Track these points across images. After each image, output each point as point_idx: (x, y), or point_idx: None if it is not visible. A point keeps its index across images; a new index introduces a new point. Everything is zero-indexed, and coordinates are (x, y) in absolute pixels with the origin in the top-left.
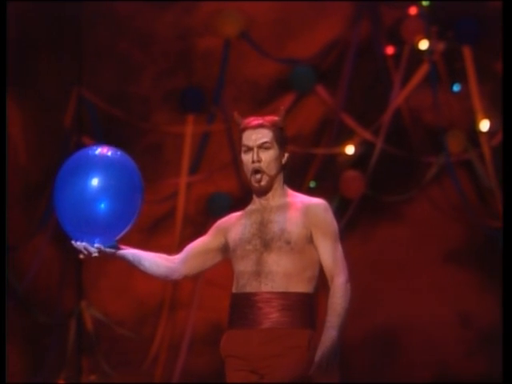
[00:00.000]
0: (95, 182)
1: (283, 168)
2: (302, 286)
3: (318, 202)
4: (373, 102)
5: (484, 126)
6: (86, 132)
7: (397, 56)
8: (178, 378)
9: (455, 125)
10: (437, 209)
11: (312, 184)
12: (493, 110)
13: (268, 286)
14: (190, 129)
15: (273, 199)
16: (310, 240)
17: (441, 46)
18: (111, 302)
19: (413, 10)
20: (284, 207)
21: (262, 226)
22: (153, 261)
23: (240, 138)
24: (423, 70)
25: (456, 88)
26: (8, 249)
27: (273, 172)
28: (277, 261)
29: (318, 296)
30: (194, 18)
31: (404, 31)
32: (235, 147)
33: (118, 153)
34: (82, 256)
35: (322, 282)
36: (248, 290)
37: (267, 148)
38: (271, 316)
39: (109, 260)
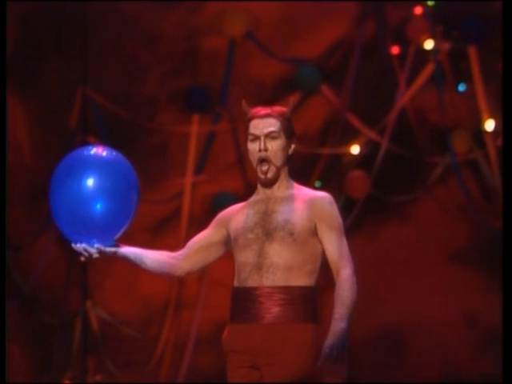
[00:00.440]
0: (90, 182)
1: (289, 159)
2: (303, 280)
3: (323, 195)
4: (378, 102)
5: (489, 125)
6: (91, 132)
7: (402, 56)
8: (183, 377)
9: (460, 125)
10: (442, 209)
11: (317, 184)
12: (498, 110)
13: (269, 280)
14: (195, 129)
15: (278, 190)
16: (314, 233)
17: (446, 46)
18: (116, 301)
19: (418, 10)
20: (289, 198)
21: (266, 215)
22: (155, 258)
23: (247, 127)
24: (428, 69)
25: (461, 88)
26: (8, 248)
27: (279, 162)
28: (279, 252)
29: (321, 290)
30: (200, 18)
31: (409, 31)
32: (240, 147)
33: (113, 153)
34: (82, 258)
35: (325, 276)
36: (249, 284)
37: (274, 137)
38: (273, 310)
39: (114, 260)
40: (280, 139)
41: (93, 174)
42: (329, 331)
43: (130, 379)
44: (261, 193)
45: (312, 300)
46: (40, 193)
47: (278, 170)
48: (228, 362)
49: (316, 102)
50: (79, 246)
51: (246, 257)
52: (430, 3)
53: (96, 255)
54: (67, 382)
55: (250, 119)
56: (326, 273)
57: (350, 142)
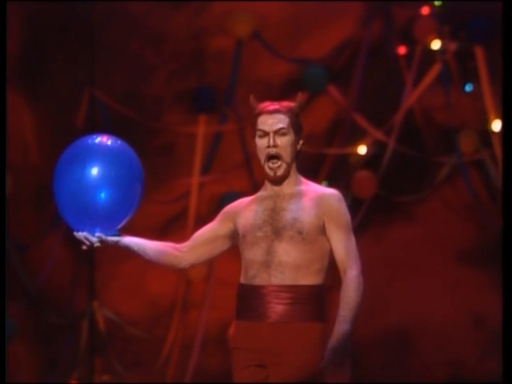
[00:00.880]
0: (94, 170)
1: (298, 155)
2: (310, 279)
3: (331, 192)
4: (385, 102)
5: (496, 126)
6: (98, 132)
7: (409, 56)
8: (190, 378)
9: (467, 125)
10: (449, 209)
11: (324, 184)
12: None
13: (278, 279)
14: (202, 129)
15: (287, 186)
16: (322, 231)
17: (453, 46)
18: (123, 302)
19: (425, 10)
20: (297, 195)
21: (274, 213)
22: (158, 250)
23: (255, 123)
24: (435, 69)
25: (468, 88)
26: (14, 248)
27: (289, 158)
28: (287, 250)
29: (328, 288)
30: (206, 18)
31: (416, 31)
32: (247, 147)
33: (118, 142)
34: (84, 247)
35: (333, 274)
36: (257, 282)
37: (283, 134)
38: (280, 309)
39: (121, 260)
40: (289, 135)
41: (97, 163)
42: (332, 333)
43: (137, 379)
44: (269, 189)
45: (320, 298)
46: (47, 193)
47: (288, 166)
48: (233, 360)
49: (323, 102)
50: (81, 235)
51: (254, 254)
52: (436, 3)
53: (97, 244)
54: (74, 382)
55: (258, 114)
56: (333, 271)
57: (356, 142)
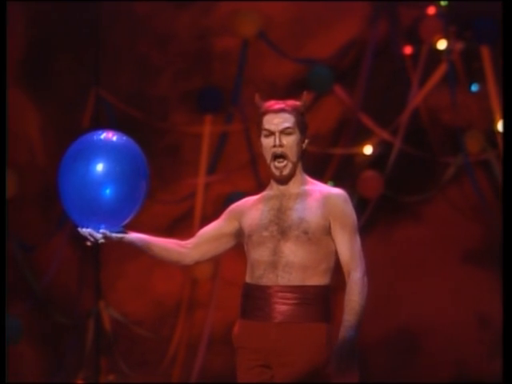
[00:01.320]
0: (99, 166)
1: (303, 154)
2: (317, 279)
3: (337, 192)
4: (391, 102)
5: (502, 126)
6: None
7: (415, 56)
8: (196, 378)
9: (473, 125)
10: (455, 209)
11: (330, 184)
12: None
13: (285, 279)
14: (207, 129)
15: (292, 186)
16: (328, 231)
17: (459, 46)
18: (129, 302)
19: (431, 10)
20: (303, 195)
21: (280, 212)
22: (163, 246)
23: (260, 122)
24: (441, 69)
25: (474, 88)
26: (19, 248)
27: (295, 158)
28: (294, 251)
29: (334, 288)
30: (212, 19)
31: (422, 31)
32: (253, 147)
33: (124, 138)
34: (88, 243)
35: (338, 274)
36: (264, 282)
37: (289, 133)
38: (286, 309)
39: (127, 260)
40: (295, 134)
41: (101, 159)
42: (338, 338)
43: (143, 379)
44: (274, 188)
45: (326, 299)
46: (53, 193)
47: (294, 165)
48: (238, 359)
49: (329, 102)
50: (85, 231)
51: (260, 254)
52: (442, 3)
53: (102, 240)
54: (80, 382)
55: (264, 114)
56: (338, 272)
57: (362, 143)
